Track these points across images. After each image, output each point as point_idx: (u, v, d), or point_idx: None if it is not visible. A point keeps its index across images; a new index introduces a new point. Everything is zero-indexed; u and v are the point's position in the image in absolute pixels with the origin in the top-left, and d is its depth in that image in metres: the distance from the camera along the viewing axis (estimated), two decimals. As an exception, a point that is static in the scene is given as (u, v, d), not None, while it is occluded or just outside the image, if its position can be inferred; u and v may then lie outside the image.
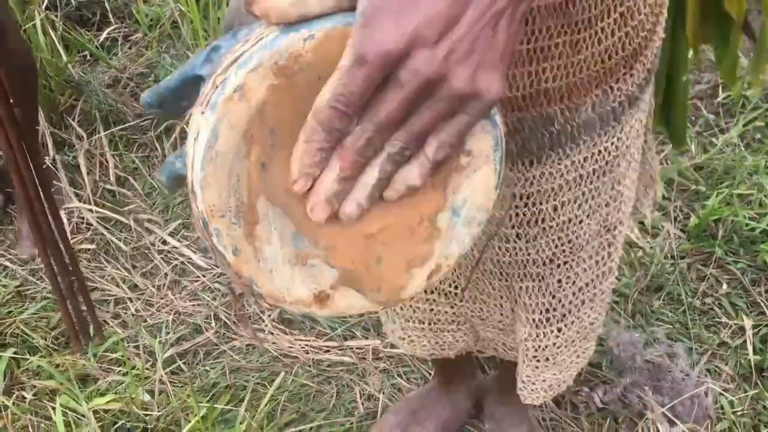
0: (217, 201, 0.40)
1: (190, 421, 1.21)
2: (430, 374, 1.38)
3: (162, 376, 1.29)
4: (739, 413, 1.27)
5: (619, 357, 1.33)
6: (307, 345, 1.43)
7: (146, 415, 1.24)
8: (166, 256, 1.55)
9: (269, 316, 1.46)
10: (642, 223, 1.56)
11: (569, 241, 0.74)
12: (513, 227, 0.72)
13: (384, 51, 0.37)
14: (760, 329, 1.37)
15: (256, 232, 0.41)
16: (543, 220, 0.71)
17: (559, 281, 0.78)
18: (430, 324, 0.93)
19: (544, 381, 0.90)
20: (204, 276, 1.52)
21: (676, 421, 1.23)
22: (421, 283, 0.46)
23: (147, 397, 1.27)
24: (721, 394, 1.29)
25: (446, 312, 0.90)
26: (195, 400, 1.16)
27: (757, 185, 1.56)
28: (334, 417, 1.31)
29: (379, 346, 1.42)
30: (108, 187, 1.63)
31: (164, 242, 1.56)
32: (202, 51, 0.42)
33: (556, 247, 0.74)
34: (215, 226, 0.41)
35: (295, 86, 0.39)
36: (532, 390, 0.91)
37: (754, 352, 1.33)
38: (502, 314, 0.87)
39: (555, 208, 0.70)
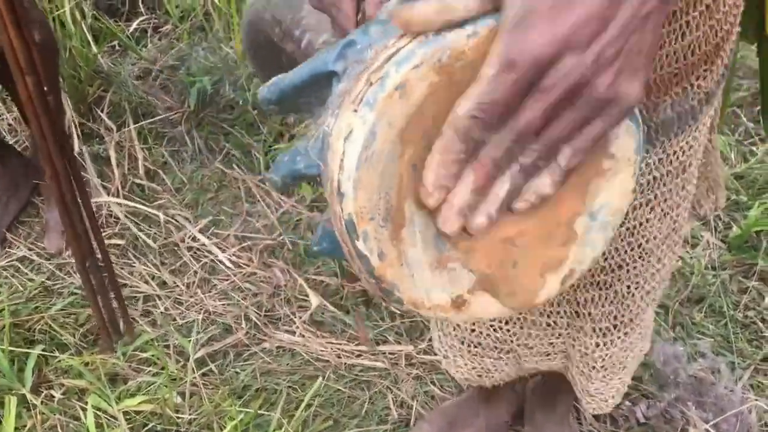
0: (368, 203, 0.38)
1: (223, 425, 1.17)
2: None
3: (195, 377, 1.25)
4: (784, 432, 1.23)
5: (661, 371, 1.29)
6: (338, 349, 1.39)
7: (178, 417, 1.20)
8: (195, 253, 1.51)
9: (300, 318, 1.42)
10: (682, 232, 1.51)
11: (639, 246, 0.71)
12: None
13: (535, 55, 0.34)
14: (805, 345, 1.33)
15: (402, 235, 0.40)
16: None
17: (628, 287, 0.75)
18: (469, 347, 0.89)
19: (612, 388, 0.87)
20: (234, 275, 1.48)
21: (721, 438, 1.19)
22: (555, 288, 0.45)
23: (178, 399, 1.23)
24: (765, 411, 1.25)
25: (488, 335, 0.86)
26: (232, 403, 1.12)
27: (800, 197, 1.52)
28: (366, 424, 1.27)
29: (412, 351, 1.38)
30: (137, 181, 1.59)
31: (194, 239, 1.52)
32: (333, 47, 0.39)
33: (626, 252, 0.71)
34: (364, 229, 0.39)
35: (454, 85, 0.37)
36: (602, 400, 0.88)
37: (800, 369, 1.29)
38: (553, 337, 0.83)
39: (627, 212, 0.67)
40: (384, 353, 1.39)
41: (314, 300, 1.43)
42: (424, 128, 0.38)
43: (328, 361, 1.37)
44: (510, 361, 0.89)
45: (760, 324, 1.38)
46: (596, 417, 1.29)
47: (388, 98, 0.36)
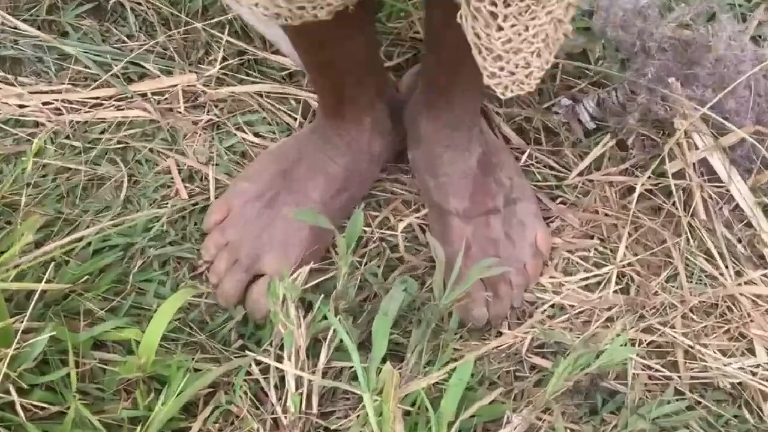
0: None
1: None
2: (293, 118, 1.02)
3: None
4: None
5: (618, 39, 1.03)
6: (58, 101, 1.01)
7: None
8: None
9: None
10: None
11: None
12: None
13: None
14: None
15: None
16: None
17: None
18: None
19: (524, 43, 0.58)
20: None
21: (725, 123, 0.95)
22: None
23: None
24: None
25: None
26: None
27: None
28: (130, 214, 0.94)
29: (196, 83, 1.05)
30: None
31: None
32: None
33: None
34: None
35: None
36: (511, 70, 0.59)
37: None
38: None
39: None
40: (144, 95, 1.03)
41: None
42: None
43: (42, 124, 1.00)
44: None
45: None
46: (521, 132, 1.02)
47: None
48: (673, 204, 0.96)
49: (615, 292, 0.93)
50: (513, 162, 0.97)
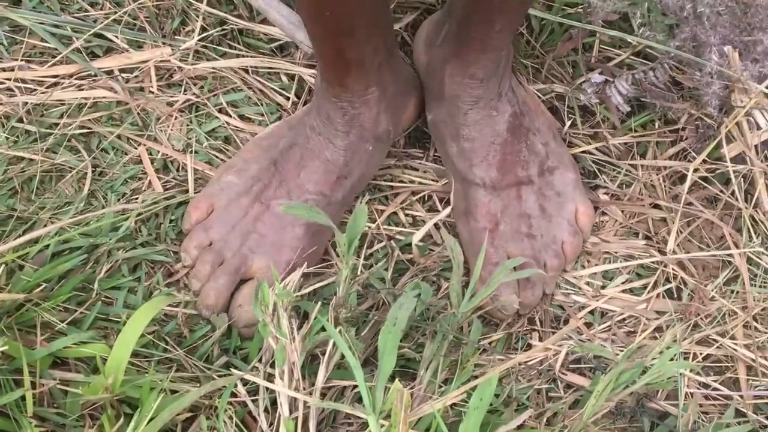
0: None
1: None
2: (285, 97, 1.05)
3: None
4: None
5: (665, 3, 1.02)
6: (10, 80, 1.05)
7: None
8: None
9: None
10: None
11: None
12: None
13: None
14: None
15: None
16: None
17: None
18: None
19: None
20: None
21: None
22: None
23: None
24: None
25: None
26: None
27: None
28: (95, 210, 0.94)
29: (171, 57, 1.07)
30: None
31: None
32: None
33: None
34: None
35: None
36: None
37: None
38: None
39: None
40: (112, 74, 1.03)
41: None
42: None
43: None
44: None
45: None
46: (554, 113, 1.02)
47: None
48: (732, 193, 0.97)
49: (664, 296, 0.93)
50: (550, 125, 0.99)
